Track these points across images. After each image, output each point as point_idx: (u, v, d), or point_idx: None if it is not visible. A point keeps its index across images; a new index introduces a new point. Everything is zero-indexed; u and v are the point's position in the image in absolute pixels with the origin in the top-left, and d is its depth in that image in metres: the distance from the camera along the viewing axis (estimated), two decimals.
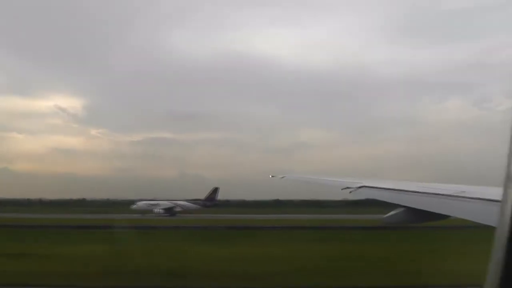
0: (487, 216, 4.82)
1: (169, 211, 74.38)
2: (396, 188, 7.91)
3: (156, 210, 73.58)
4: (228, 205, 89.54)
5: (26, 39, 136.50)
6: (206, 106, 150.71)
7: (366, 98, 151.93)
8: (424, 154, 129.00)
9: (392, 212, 7.30)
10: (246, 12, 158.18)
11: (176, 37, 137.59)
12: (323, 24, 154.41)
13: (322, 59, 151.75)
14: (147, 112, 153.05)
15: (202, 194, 79.84)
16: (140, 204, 76.24)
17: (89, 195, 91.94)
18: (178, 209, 76.43)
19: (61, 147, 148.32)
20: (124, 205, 77.76)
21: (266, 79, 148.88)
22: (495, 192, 5.19)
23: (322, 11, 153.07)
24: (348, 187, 9.34)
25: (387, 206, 7.65)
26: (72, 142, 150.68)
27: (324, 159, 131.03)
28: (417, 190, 7.22)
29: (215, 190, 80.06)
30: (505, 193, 1.74)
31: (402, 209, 7.07)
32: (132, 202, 77.31)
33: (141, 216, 67.96)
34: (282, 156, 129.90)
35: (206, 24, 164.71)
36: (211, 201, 79.57)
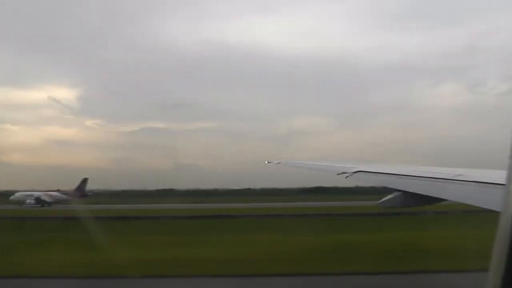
0: (484, 199, 4.75)
1: (39, 201, 75.04)
2: (392, 172, 7.83)
3: (28, 201, 74.34)
4: (99, 195, 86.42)
5: (19, 30, 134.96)
6: (200, 96, 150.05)
7: (360, 85, 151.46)
8: (419, 139, 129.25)
9: (388, 197, 7.23)
10: (237, 1, 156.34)
11: (168, 27, 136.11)
12: (315, 11, 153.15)
13: (315, 46, 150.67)
14: (141, 102, 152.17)
15: (197, 184, 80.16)
16: (17, 195, 77.18)
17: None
18: (47, 199, 76.78)
19: (56, 139, 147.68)
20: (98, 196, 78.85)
21: (259, 68, 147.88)
22: (492, 175, 5.11)
23: None
24: (344, 172, 9.27)
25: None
26: (67, 133, 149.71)
27: (320, 146, 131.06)
28: (414, 174, 7.15)
29: (84, 181, 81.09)
30: (509, 176, 1.65)
31: (398, 193, 6.99)
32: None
33: (17, 207, 67.88)
34: (278, 144, 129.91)
35: (197, 14, 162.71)
36: (81, 191, 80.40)
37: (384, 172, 8.08)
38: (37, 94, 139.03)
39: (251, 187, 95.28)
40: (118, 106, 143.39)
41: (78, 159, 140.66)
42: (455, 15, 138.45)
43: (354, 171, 8.89)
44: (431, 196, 6.06)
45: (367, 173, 8.61)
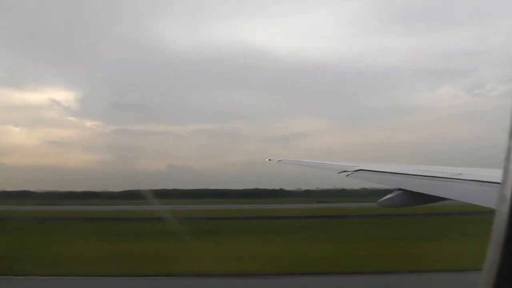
0: (484, 198, 4.77)
1: None
2: (393, 171, 7.87)
3: None
4: None
5: (18, 32, 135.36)
6: (199, 97, 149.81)
7: (360, 87, 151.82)
8: (419, 141, 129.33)
9: (388, 196, 7.25)
10: (237, 1, 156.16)
11: (167, 28, 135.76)
12: (315, 12, 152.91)
13: (315, 47, 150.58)
14: (140, 103, 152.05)
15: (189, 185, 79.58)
16: None
17: (78, 187, 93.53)
18: None
19: (55, 140, 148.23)
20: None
21: (260, 70, 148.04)
22: (492, 174, 5.13)
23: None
24: (345, 171, 9.29)
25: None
26: (66, 134, 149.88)
27: (320, 147, 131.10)
28: (414, 173, 7.18)
29: None
30: (504, 177, 1.66)
31: (398, 192, 7.02)
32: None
33: None
34: (278, 145, 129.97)
35: (197, 15, 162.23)
36: None
37: (385, 170, 8.11)
38: (38, 96, 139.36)
39: (248, 187, 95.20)
40: (116, 108, 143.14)
41: (75, 160, 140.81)
42: (453, 18, 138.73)
43: (355, 169, 8.91)
44: (431, 195, 6.08)
45: (368, 171, 8.63)
